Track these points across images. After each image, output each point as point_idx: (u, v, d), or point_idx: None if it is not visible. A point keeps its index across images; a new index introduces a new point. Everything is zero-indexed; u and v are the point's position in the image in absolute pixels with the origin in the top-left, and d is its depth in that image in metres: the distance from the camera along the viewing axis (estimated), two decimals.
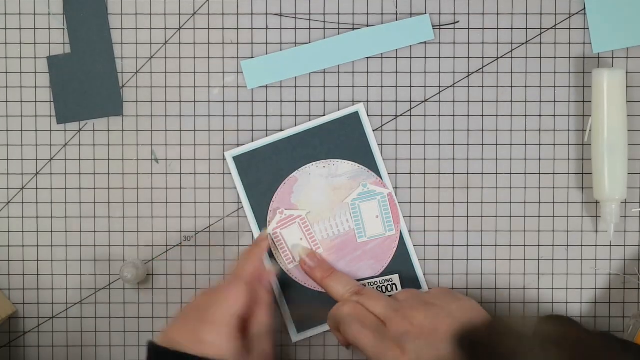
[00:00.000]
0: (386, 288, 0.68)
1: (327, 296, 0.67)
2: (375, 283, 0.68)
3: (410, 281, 0.68)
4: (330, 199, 0.68)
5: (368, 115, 0.68)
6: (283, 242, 0.68)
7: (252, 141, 0.69)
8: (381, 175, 0.68)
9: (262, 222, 0.68)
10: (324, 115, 0.69)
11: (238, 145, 0.69)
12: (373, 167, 0.68)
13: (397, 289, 0.68)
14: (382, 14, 0.69)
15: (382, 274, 0.68)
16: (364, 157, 0.68)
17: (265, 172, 0.68)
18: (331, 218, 0.68)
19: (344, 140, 0.68)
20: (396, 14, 0.69)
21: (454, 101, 0.69)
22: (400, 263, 0.68)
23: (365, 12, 0.69)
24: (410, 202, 0.69)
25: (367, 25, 0.69)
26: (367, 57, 0.69)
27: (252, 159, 0.68)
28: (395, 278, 0.68)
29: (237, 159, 0.68)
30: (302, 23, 0.69)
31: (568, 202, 0.69)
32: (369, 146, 0.68)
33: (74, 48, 0.68)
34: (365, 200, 0.68)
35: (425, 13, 0.69)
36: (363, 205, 0.68)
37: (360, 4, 0.69)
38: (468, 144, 0.69)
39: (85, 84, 0.69)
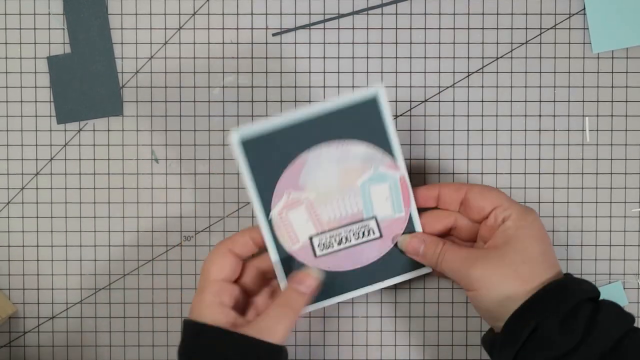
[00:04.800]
0: (362, 233, 0.66)
1: (328, 274, 0.65)
2: (352, 229, 0.66)
3: (413, 260, 0.66)
4: (340, 181, 0.64)
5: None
6: (289, 223, 0.65)
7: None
8: (396, 158, 0.64)
9: (267, 203, 0.63)
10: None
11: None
12: (387, 149, 0.63)
13: (373, 234, 0.66)
14: (381, 6, 0.69)
15: (388, 253, 0.66)
16: (379, 139, 0.63)
17: (273, 151, 0.62)
18: (339, 199, 0.65)
19: (359, 122, 0.63)
20: (396, 13, 0.69)
21: (454, 101, 0.69)
22: None
23: (365, 7, 0.69)
24: None
25: (368, 28, 0.69)
26: (367, 57, 0.69)
27: (260, 138, 0.61)
28: (372, 223, 0.66)
29: (244, 140, 0.61)
30: (302, 19, 0.69)
31: (568, 202, 0.69)
32: (384, 128, 0.63)
33: (74, 48, 0.69)
34: (376, 183, 0.65)
35: (425, 13, 0.69)
36: (373, 188, 0.64)
37: (361, 3, 0.69)
38: (468, 144, 0.69)
39: (85, 84, 0.69)
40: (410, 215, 0.65)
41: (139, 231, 0.70)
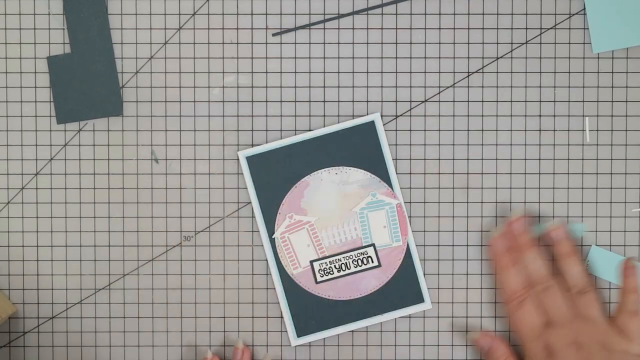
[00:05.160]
0: (362, 261, 0.68)
1: (328, 303, 0.68)
2: (351, 256, 0.68)
3: (412, 294, 0.68)
4: (339, 206, 0.67)
5: (368, 114, 0.69)
6: (290, 246, 0.68)
7: (253, 141, 0.69)
8: (392, 186, 0.68)
9: (271, 223, 0.68)
10: (320, 115, 0.69)
11: (253, 145, 0.69)
12: (385, 177, 0.68)
13: (372, 262, 0.68)
14: (382, 6, 0.69)
15: (387, 285, 0.68)
16: (377, 167, 0.68)
17: (277, 173, 0.68)
18: (339, 225, 0.68)
19: (358, 149, 0.68)
20: (396, 13, 0.69)
21: (454, 101, 0.69)
22: (406, 275, 0.68)
23: (365, 7, 0.69)
24: (410, 202, 0.69)
25: (368, 28, 0.69)
26: (367, 57, 0.69)
27: (265, 160, 0.68)
28: (370, 250, 0.68)
29: (250, 159, 0.68)
30: (302, 19, 0.69)
31: (568, 202, 0.69)
32: (382, 156, 0.68)
33: (74, 48, 0.69)
34: (374, 210, 0.68)
35: (425, 13, 0.69)
36: (371, 214, 0.68)
37: (361, 3, 0.69)
38: (468, 144, 0.69)
39: (85, 84, 0.69)
40: (407, 245, 0.68)
41: (139, 231, 0.70)
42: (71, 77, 0.69)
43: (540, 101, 0.69)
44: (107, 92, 0.69)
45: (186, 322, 0.70)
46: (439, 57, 0.69)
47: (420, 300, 0.69)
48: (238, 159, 0.69)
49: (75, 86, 0.69)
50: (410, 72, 0.69)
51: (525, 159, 0.69)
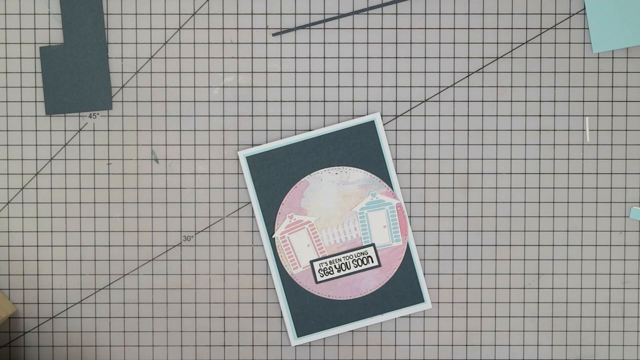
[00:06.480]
0: (362, 261, 0.68)
1: (328, 303, 0.68)
2: (351, 256, 0.68)
3: (412, 294, 0.69)
4: (339, 206, 0.68)
5: (368, 114, 0.69)
6: (290, 246, 0.68)
7: (253, 141, 0.69)
8: (392, 186, 0.68)
9: (271, 224, 0.68)
10: (320, 115, 0.69)
11: (253, 145, 0.69)
12: (385, 177, 0.68)
13: (372, 262, 0.68)
14: (381, 6, 0.69)
15: (387, 284, 0.68)
16: (377, 167, 0.68)
17: (277, 173, 0.68)
18: (339, 225, 0.68)
19: (357, 149, 0.68)
20: (396, 13, 0.69)
21: (454, 101, 0.69)
22: (406, 274, 0.68)
23: (365, 7, 0.69)
24: (410, 202, 0.69)
25: (368, 28, 0.69)
26: (367, 57, 0.69)
27: (265, 160, 0.68)
28: (370, 250, 0.68)
29: (250, 159, 0.68)
30: (302, 19, 0.69)
31: (568, 202, 0.69)
32: (382, 156, 0.68)
33: (66, 40, 0.68)
34: (374, 210, 0.68)
35: (425, 13, 0.69)
36: (371, 214, 0.68)
37: (361, 3, 0.69)
38: (468, 144, 0.69)
39: (77, 77, 0.68)
40: (407, 245, 0.68)
41: (139, 231, 0.70)
42: (63, 69, 0.68)
43: (540, 101, 0.69)
44: (97, 86, 0.69)
45: (186, 322, 0.70)
46: (439, 57, 0.69)
47: (420, 300, 0.69)
48: (238, 159, 0.69)
49: (66, 78, 0.68)
50: (410, 72, 0.69)
51: (525, 159, 0.69)
